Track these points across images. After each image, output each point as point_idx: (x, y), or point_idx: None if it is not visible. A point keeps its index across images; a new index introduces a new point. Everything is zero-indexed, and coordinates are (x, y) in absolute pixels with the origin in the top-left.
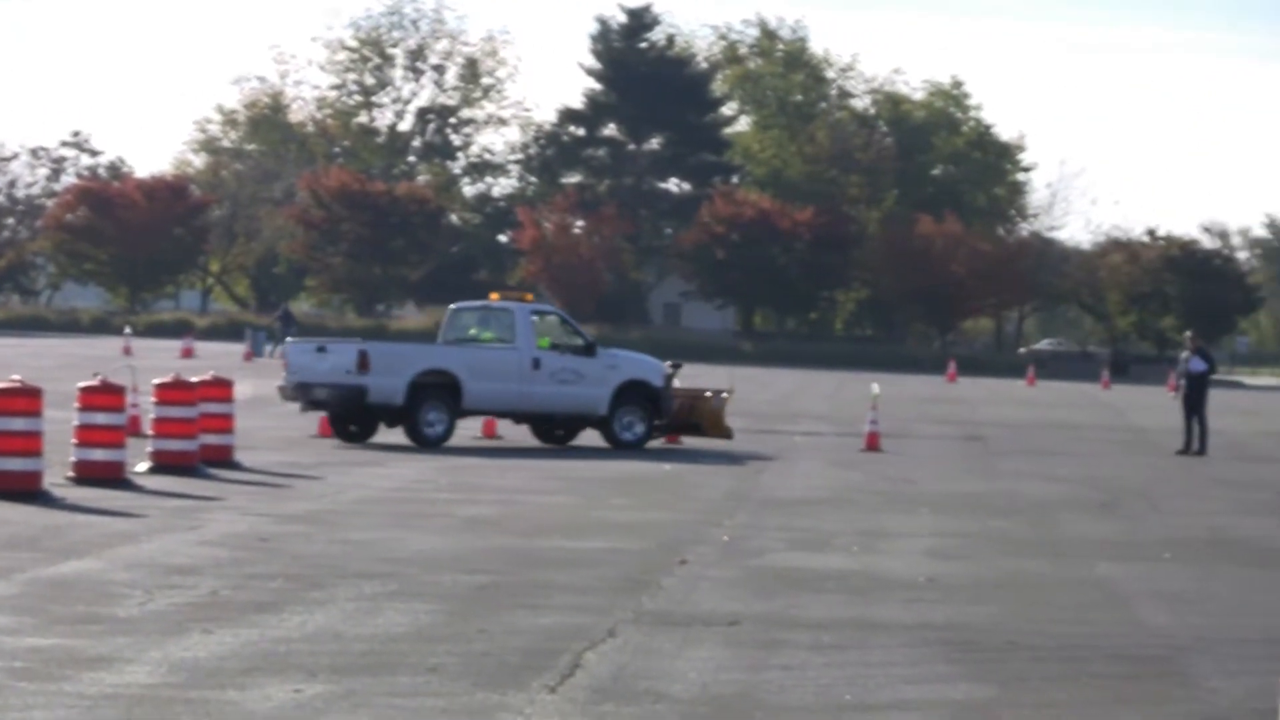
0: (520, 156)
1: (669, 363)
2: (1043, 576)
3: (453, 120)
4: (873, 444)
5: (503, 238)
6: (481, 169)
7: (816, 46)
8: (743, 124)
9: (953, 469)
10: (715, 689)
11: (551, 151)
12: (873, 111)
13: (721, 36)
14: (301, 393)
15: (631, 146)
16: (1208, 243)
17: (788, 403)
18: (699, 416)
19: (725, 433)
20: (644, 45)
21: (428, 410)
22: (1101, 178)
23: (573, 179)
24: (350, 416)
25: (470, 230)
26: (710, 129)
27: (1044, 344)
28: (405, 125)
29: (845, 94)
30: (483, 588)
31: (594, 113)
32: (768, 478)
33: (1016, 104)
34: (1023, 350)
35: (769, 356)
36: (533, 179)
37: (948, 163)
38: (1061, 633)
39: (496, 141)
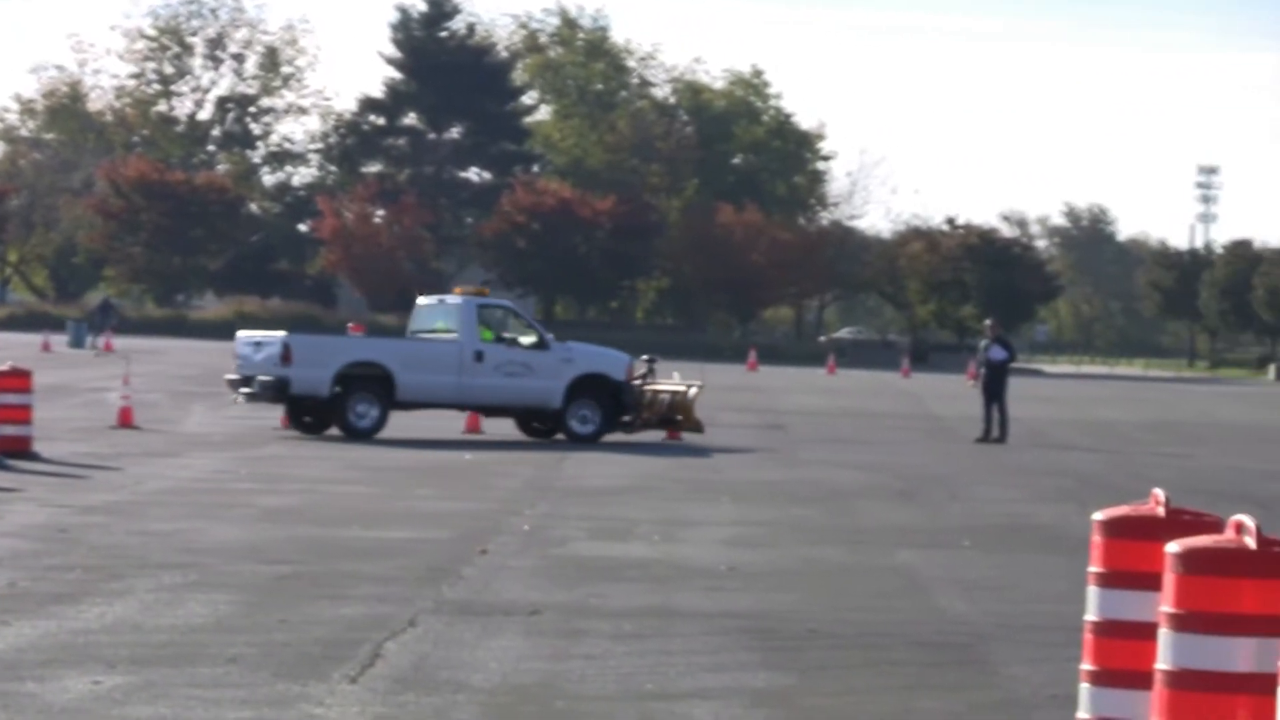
0: (320, 146)
1: (644, 357)
2: (843, 564)
3: (252, 109)
4: (672, 434)
5: (303, 227)
6: (281, 158)
7: (617, 36)
8: (543, 113)
9: (753, 457)
10: (516, 678)
11: (352, 141)
12: (673, 100)
13: (522, 25)
14: (242, 385)
15: (432, 136)
16: (1007, 231)
17: None
18: (681, 411)
19: (698, 426)
20: (444, 34)
21: (356, 402)
22: (901, 167)
23: (373, 168)
24: (298, 409)
25: (270, 219)
26: (511, 118)
27: (844, 332)
28: (205, 114)
29: (646, 83)
30: (283, 578)
31: (394, 102)
32: (570, 466)
33: (816, 93)
34: (823, 339)
35: None
36: (333, 168)
37: (748, 152)
38: (861, 620)
39: (296, 131)
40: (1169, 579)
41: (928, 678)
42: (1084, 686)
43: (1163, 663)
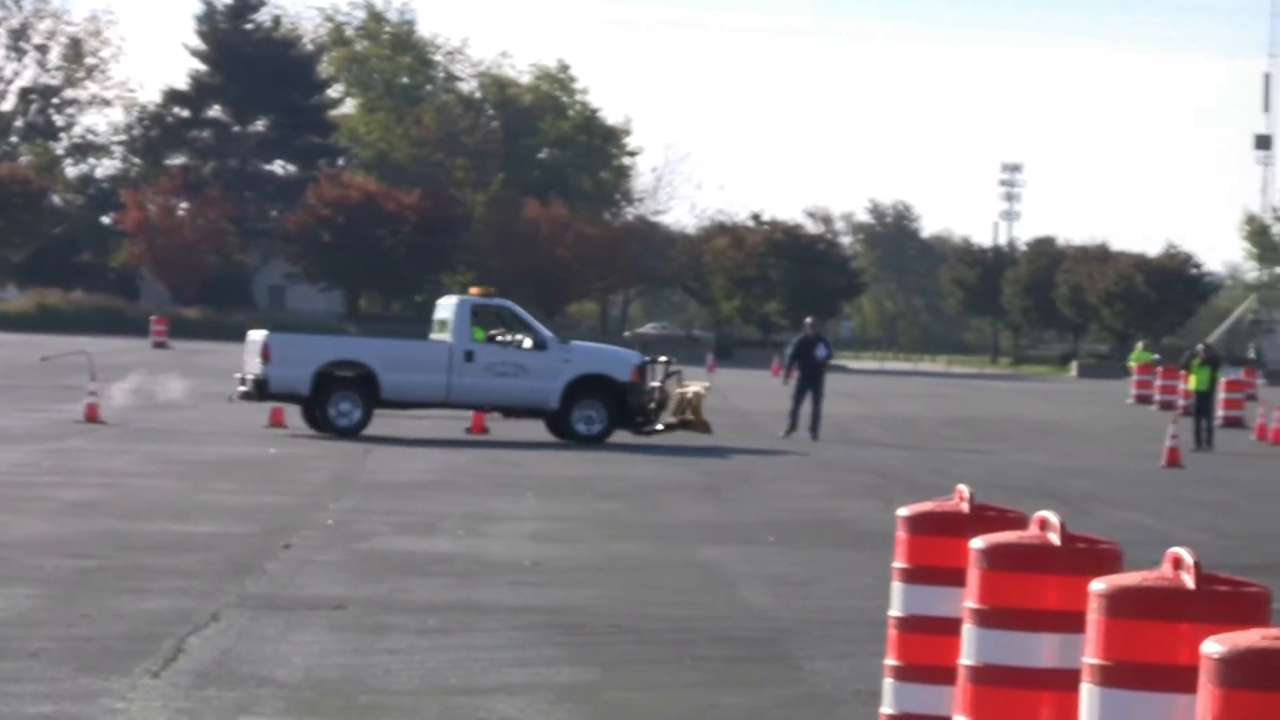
0: (124, 138)
1: (663, 358)
2: (647, 559)
3: (56, 100)
4: (478, 427)
5: (106, 219)
6: (85, 150)
7: (424, 29)
8: (349, 106)
9: (556, 451)
10: (320, 673)
11: (156, 133)
12: (479, 95)
13: (328, 18)
14: (240, 383)
15: (237, 128)
16: (812, 227)
17: None
18: (691, 411)
19: (706, 427)
20: (250, 27)
21: (338, 400)
22: (707, 163)
23: (177, 161)
24: (310, 406)
25: (73, 212)
26: (316, 111)
27: (649, 328)
28: (7, 105)
29: (452, 77)
30: (85, 572)
31: (199, 94)
32: (374, 461)
33: (623, 88)
34: (628, 334)
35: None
36: (137, 160)
37: (554, 146)
38: (666, 615)
39: (100, 122)
40: (973, 575)
41: (732, 673)
42: (888, 682)
43: (967, 658)
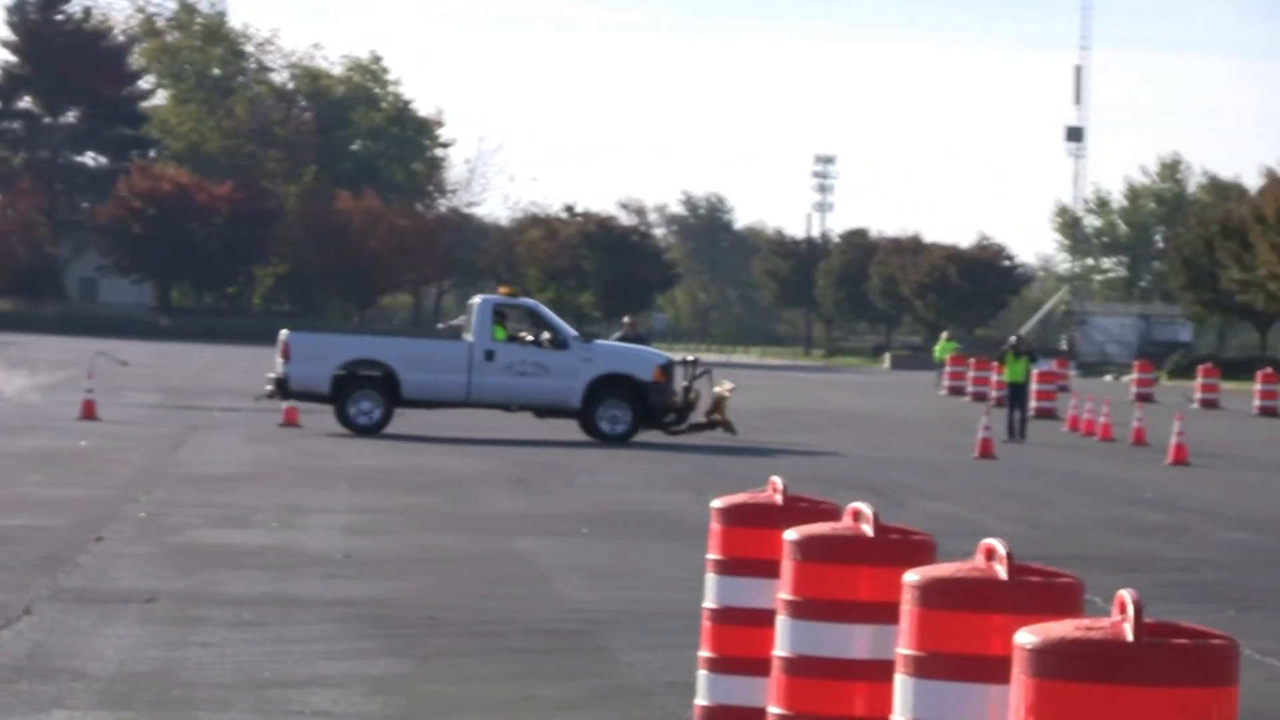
0: None
1: (691, 358)
2: (461, 552)
3: None
4: (290, 419)
5: None
6: None
7: (235, 21)
8: (161, 98)
9: (370, 444)
10: (133, 666)
11: None
12: (292, 86)
13: (139, 9)
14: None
15: (47, 120)
16: (625, 219)
17: (206, 378)
18: (716, 410)
19: (730, 426)
20: (60, 18)
21: (359, 399)
22: (520, 154)
23: None
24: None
25: None
26: (128, 103)
27: (462, 320)
28: None
29: (264, 68)
30: None
31: (9, 85)
32: (186, 453)
33: (435, 80)
34: (441, 326)
35: (187, 331)
36: None
37: (367, 138)
38: (480, 608)
39: None
40: (787, 566)
41: (545, 665)
42: (702, 673)
43: (780, 650)
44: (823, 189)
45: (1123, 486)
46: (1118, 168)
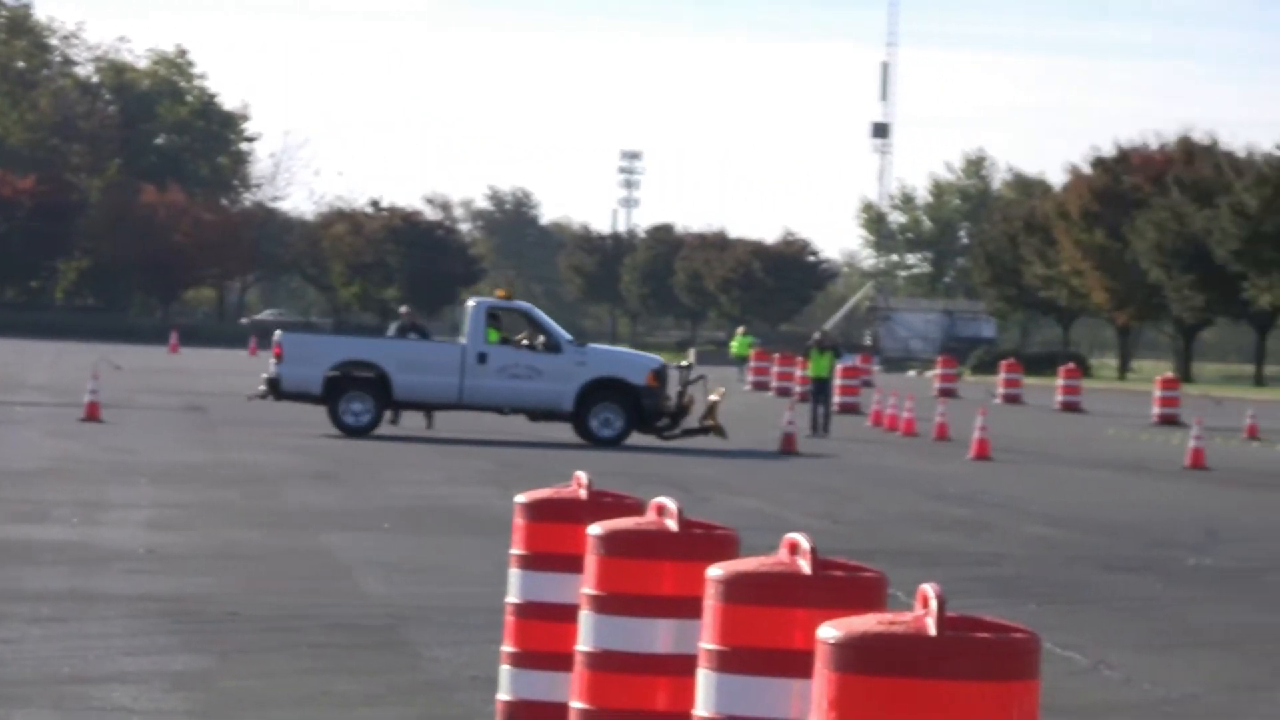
0: None
1: (684, 362)
2: (263, 547)
3: None
4: (93, 414)
5: None
6: None
7: (41, 13)
8: None
9: (173, 439)
10: None
11: None
12: (97, 79)
13: None
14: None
15: None
16: (430, 214)
17: (6, 372)
18: (711, 417)
19: (722, 431)
20: None
21: (350, 400)
22: (326, 148)
23: None
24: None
25: None
26: None
27: (267, 314)
28: None
29: (69, 61)
30: None
31: None
32: None
33: (241, 74)
34: (245, 320)
35: None
36: None
37: (172, 132)
38: (282, 603)
39: None
40: (590, 561)
41: (347, 660)
42: (505, 668)
43: (584, 644)
44: (629, 184)
45: (926, 481)
46: (923, 164)
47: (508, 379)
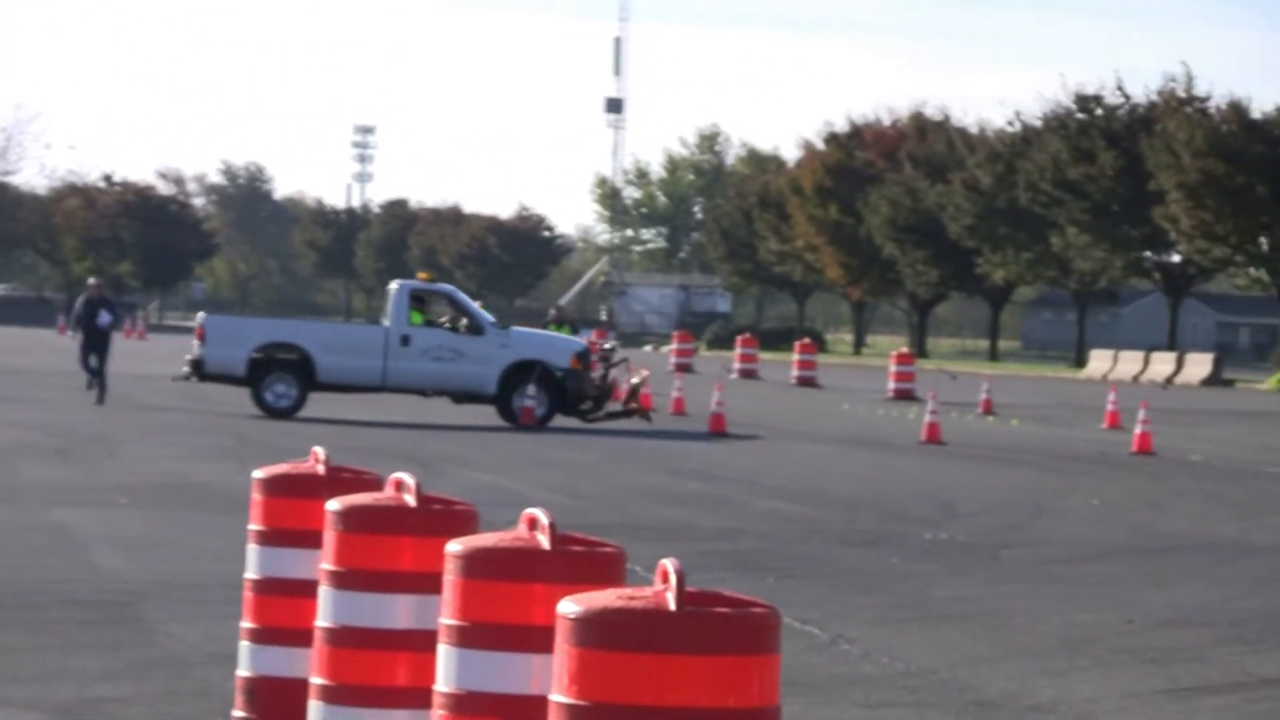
0: None
1: (609, 344)
2: None
3: None
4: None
5: None
6: None
7: None
8: None
9: None
10: None
11: None
12: None
13: None
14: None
15: None
16: (164, 189)
17: None
18: (633, 398)
19: (647, 416)
20: None
21: (274, 382)
22: (58, 122)
23: None
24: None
25: None
26: None
27: None
28: None
29: None
30: None
31: None
32: None
33: None
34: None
35: None
36: None
37: None
38: (16, 580)
39: None
40: (329, 537)
41: (84, 636)
42: (244, 644)
43: (323, 620)
44: (363, 159)
45: (664, 456)
46: (658, 139)
47: (431, 362)
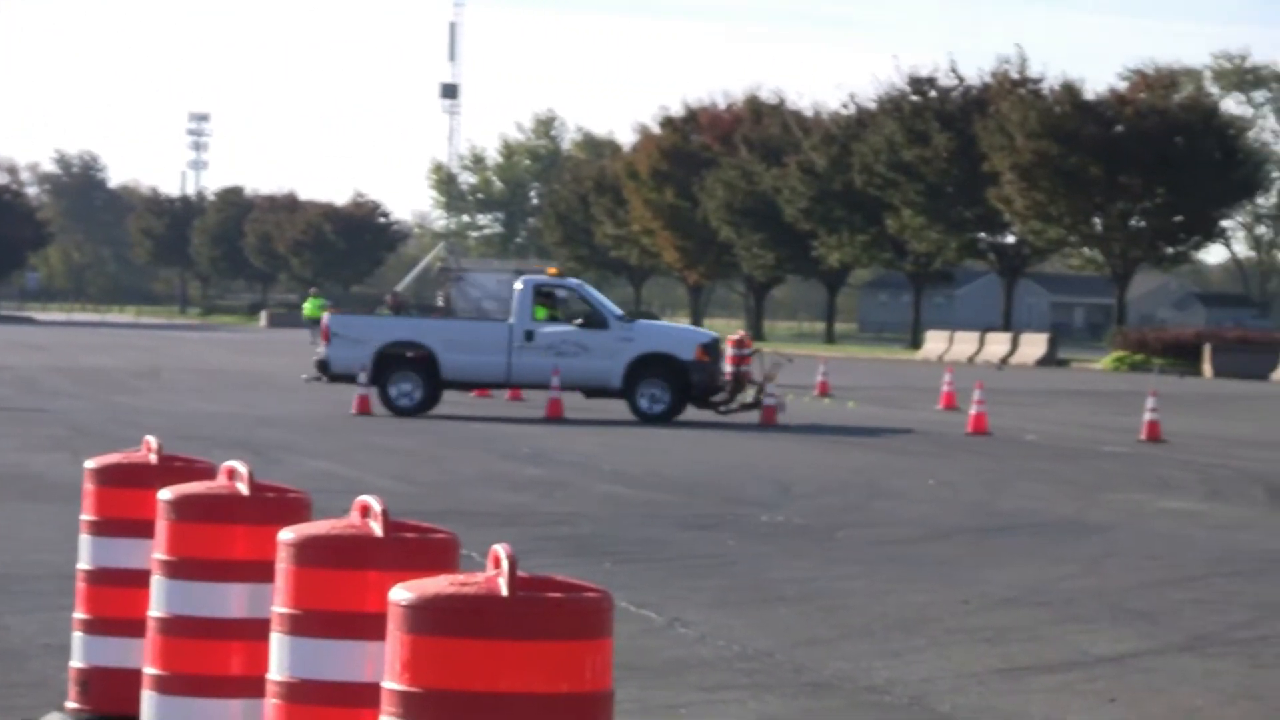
0: None
1: (738, 335)
2: None
3: None
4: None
5: None
6: None
7: None
8: None
9: None
10: None
11: None
12: None
13: None
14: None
15: None
16: None
17: None
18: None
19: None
20: None
21: (400, 381)
22: None
23: None
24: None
25: None
26: None
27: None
28: None
29: None
30: None
31: None
32: None
33: None
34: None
35: None
36: None
37: None
38: None
39: None
40: (161, 526)
41: None
42: (77, 635)
43: (156, 610)
44: (197, 146)
45: (501, 441)
46: (494, 125)
47: (554, 357)
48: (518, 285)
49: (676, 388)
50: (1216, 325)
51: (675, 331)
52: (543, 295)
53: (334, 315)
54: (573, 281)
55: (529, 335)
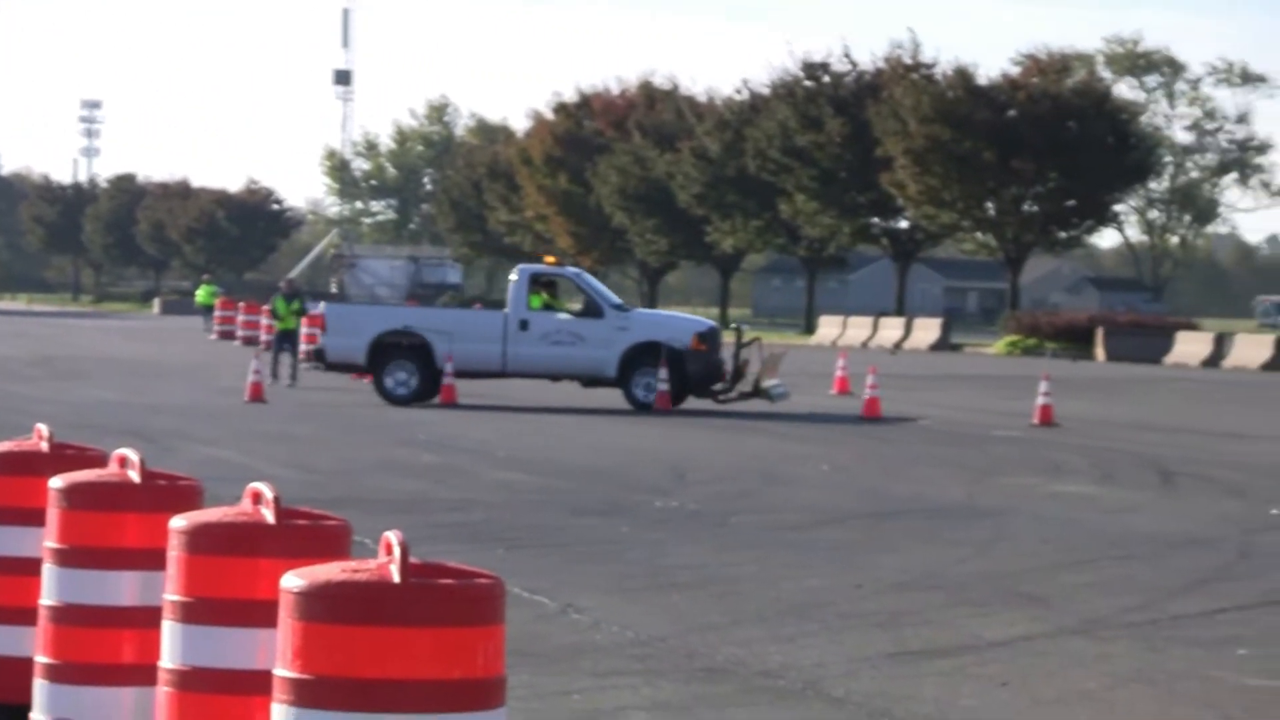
0: None
1: (733, 325)
2: None
3: None
4: None
5: None
6: None
7: None
8: None
9: None
10: None
11: None
12: None
13: None
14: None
15: None
16: None
17: None
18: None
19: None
20: None
21: (394, 369)
22: None
23: None
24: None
25: None
26: None
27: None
28: None
29: None
30: None
31: None
32: None
33: None
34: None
35: None
36: None
37: None
38: None
39: None
40: (52, 514)
41: None
42: None
43: (47, 598)
44: (90, 133)
45: (396, 428)
46: (387, 111)
47: (551, 345)
48: (513, 275)
49: (673, 376)
50: (1109, 309)
51: (671, 320)
52: (539, 284)
53: (330, 305)
54: (570, 270)
55: (524, 324)
